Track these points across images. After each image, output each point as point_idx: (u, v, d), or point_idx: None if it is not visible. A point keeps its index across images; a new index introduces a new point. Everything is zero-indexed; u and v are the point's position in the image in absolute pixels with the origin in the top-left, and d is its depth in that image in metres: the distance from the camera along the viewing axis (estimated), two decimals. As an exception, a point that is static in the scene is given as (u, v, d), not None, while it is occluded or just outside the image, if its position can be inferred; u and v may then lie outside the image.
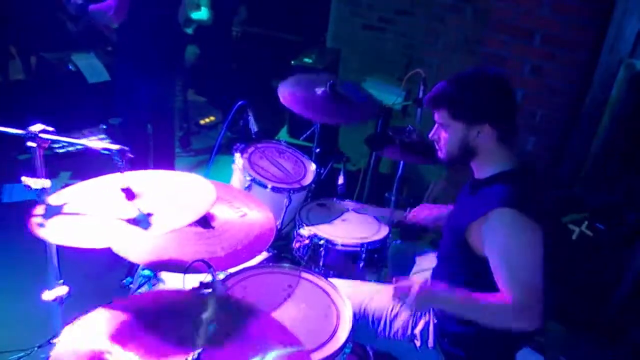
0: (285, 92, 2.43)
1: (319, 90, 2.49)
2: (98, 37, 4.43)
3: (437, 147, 1.68)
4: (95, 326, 1.13)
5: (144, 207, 1.28)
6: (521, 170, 1.58)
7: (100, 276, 2.57)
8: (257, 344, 1.14)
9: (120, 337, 1.10)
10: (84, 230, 1.24)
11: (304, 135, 3.39)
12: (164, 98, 3.15)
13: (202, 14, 4.33)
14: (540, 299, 1.40)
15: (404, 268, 2.13)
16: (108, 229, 1.24)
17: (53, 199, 1.33)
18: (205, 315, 1.15)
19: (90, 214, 1.28)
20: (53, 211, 1.29)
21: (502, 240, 1.46)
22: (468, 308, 1.49)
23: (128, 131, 3.18)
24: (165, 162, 3.28)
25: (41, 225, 1.24)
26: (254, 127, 2.50)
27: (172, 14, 2.98)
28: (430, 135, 1.68)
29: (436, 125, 1.65)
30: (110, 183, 1.38)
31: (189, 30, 4.06)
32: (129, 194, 1.32)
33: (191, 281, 1.30)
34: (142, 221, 1.23)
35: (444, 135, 1.62)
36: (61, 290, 1.49)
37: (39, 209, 1.28)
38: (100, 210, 1.29)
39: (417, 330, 1.71)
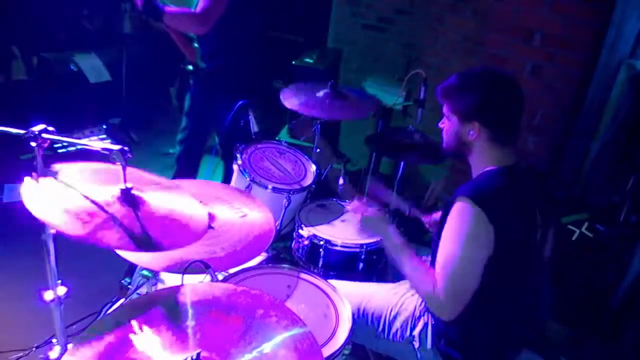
0: (288, 98, 2.46)
1: (321, 93, 2.51)
2: (102, 36, 4.45)
3: (441, 136, 1.72)
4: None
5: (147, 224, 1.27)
6: (509, 170, 1.56)
7: (99, 276, 2.57)
8: (259, 331, 1.14)
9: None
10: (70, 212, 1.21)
11: (305, 136, 3.40)
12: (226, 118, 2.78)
13: None
14: (459, 296, 1.46)
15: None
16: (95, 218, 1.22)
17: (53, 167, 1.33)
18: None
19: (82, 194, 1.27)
20: (47, 173, 1.29)
21: (449, 226, 1.50)
22: (406, 270, 1.61)
23: (189, 155, 2.93)
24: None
25: (34, 179, 1.25)
26: (254, 127, 2.50)
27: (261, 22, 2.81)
28: (438, 124, 1.72)
29: (444, 116, 1.69)
30: (112, 177, 1.36)
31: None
32: (128, 197, 1.31)
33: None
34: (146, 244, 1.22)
35: (446, 127, 1.67)
36: (60, 290, 1.50)
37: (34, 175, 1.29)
38: (93, 194, 1.28)
39: (415, 332, 1.71)
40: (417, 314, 1.74)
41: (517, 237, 1.51)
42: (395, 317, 1.76)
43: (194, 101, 2.79)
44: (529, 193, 1.59)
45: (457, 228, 1.47)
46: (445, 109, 1.66)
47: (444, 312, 1.49)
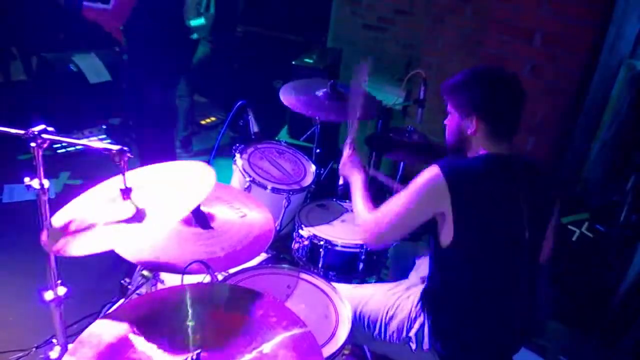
0: (287, 97, 2.46)
1: (320, 92, 2.51)
2: (102, 36, 4.46)
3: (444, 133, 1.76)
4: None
5: (138, 201, 1.29)
6: (495, 157, 1.59)
7: (99, 276, 2.58)
8: (259, 331, 1.14)
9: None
10: (88, 237, 1.25)
11: (304, 136, 3.40)
12: (170, 100, 3.15)
13: (199, 21, 4.40)
14: (383, 233, 1.61)
15: (404, 269, 2.13)
16: (110, 232, 1.24)
17: (57, 220, 1.34)
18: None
19: (93, 222, 1.29)
20: (60, 234, 1.31)
21: (412, 181, 1.58)
22: (355, 201, 1.81)
23: (141, 131, 3.16)
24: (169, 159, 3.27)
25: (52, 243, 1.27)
26: (254, 127, 2.50)
27: (178, 15, 2.97)
28: (444, 121, 1.75)
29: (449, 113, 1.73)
30: (110, 185, 1.38)
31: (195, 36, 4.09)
32: (127, 194, 1.32)
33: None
34: (136, 216, 1.24)
35: (449, 123, 1.70)
36: (60, 290, 1.50)
37: (44, 235, 1.32)
38: (102, 216, 1.30)
39: (412, 333, 1.71)
40: (413, 315, 1.74)
41: (485, 222, 1.54)
42: (391, 319, 1.76)
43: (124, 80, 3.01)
44: (514, 184, 1.58)
45: (415, 184, 1.56)
46: (448, 106, 1.70)
47: (365, 235, 1.67)
